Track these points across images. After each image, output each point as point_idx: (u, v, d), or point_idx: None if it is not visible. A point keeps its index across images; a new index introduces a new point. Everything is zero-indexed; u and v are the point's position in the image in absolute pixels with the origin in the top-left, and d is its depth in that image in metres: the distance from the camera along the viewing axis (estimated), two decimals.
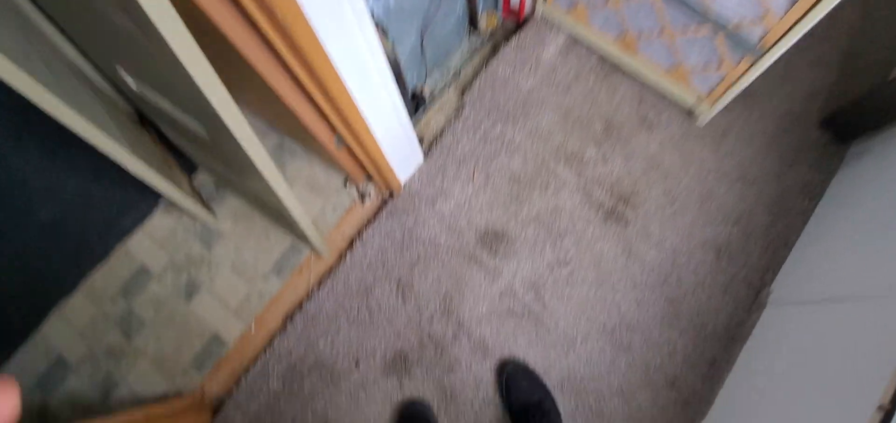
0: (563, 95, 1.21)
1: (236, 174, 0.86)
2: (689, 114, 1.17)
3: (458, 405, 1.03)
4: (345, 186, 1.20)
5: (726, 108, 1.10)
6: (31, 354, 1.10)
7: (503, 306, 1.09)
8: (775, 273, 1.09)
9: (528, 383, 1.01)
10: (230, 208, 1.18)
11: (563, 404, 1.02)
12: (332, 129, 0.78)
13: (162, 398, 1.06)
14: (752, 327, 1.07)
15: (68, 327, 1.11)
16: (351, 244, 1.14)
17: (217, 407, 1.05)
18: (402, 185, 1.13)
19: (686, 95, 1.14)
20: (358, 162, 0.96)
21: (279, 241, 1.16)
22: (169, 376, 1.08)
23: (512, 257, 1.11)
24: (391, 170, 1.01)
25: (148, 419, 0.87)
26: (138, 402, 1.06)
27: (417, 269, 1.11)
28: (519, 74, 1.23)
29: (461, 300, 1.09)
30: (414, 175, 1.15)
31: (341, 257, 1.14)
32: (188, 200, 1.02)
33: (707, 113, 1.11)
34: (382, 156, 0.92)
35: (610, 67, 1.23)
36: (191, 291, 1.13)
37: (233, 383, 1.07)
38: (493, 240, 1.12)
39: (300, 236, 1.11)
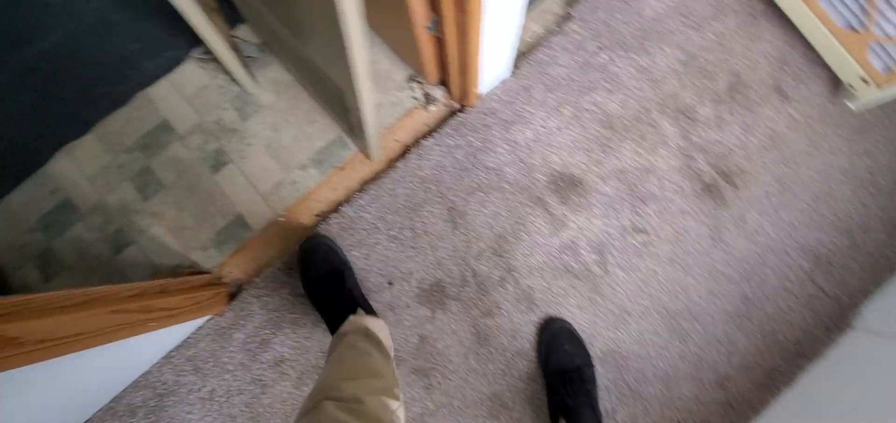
0: (692, 32, 0.99)
1: (298, 35, 0.68)
2: (836, 93, 0.97)
3: (490, 351, 0.95)
4: (408, 83, 1.01)
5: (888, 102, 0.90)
6: (36, 191, 0.98)
7: (560, 262, 0.97)
8: (870, 297, 0.96)
9: (571, 346, 0.92)
10: (273, 79, 1.01)
11: (601, 375, 0.95)
12: (434, 5, 0.59)
13: (177, 268, 0.97)
14: (828, 347, 0.96)
15: (78, 170, 0.99)
16: (404, 152, 0.99)
17: (234, 293, 0.96)
18: (480, 97, 0.95)
19: (849, 69, 0.92)
20: (441, 56, 0.78)
21: (324, 130, 1.00)
22: (185, 247, 0.98)
23: (583, 211, 0.97)
24: (477, 75, 0.83)
25: (164, 289, 0.78)
26: (151, 268, 0.97)
27: (474, 198, 0.97)
28: None
29: (516, 243, 0.96)
30: (495, 89, 0.97)
31: (390, 163, 0.99)
32: (231, 56, 0.85)
33: (866, 97, 0.91)
34: (477, 53, 0.74)
35: (762, 9, 0.99)
36: (218, 162, 0.99)
37: (254, 271, 0.98)
38: (566, 186, 0.97)
39: (350, 129, 0.95)
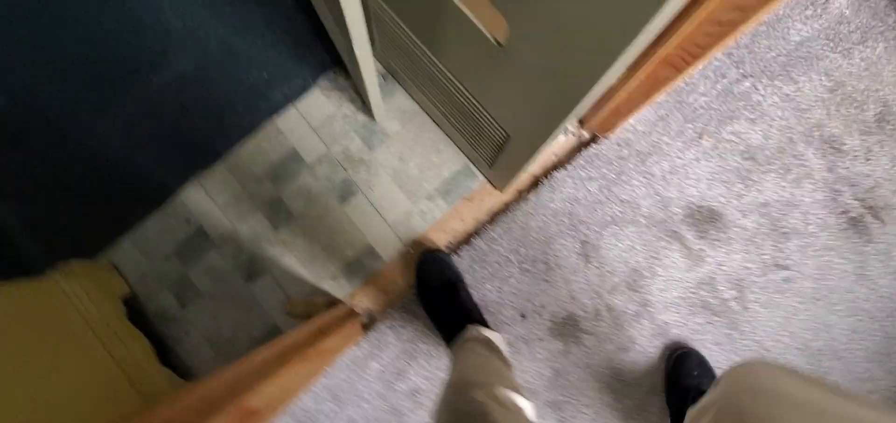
0: (841, 59, 0.94)
1: (462, 77, 0.67)
2: None
3: (625, 386, 0.94)
4: None
5: None
6: (170, 219, 1.00)
7: (698, 297, 0.94)
8: None
9: (699, 370, 0.91)
10: (397, 108, 1.00)
11: None
12: None
13: (309, 298, 0.98)
14: None
15: (210, 199, 1.01)
16: (534, 184, 0.97)
17: (367, 323, 0.97)
18: (616, 128, 0.93)
19: None
20: None
21: (450, 159, 0.99)
22: (316, 277, 0.99)
23: (721, 245, 0.94)
24: (635, 108, 0.80)
25: (324, 330, 0.79)
26: (284, 297, 0.98)
27: (608, 231, 0.95)
28: (794, 15, 0.94)
29: (651, 278, 0.94)
30: (630, 119, 0.94)
31: (520, 195, 0.98)
32: (373, 83, 0.83)
33: None
34: (652, 92, 0.71)
35: None
36: (346, 192, 1.00)
37: (384, 301, 0.99)
38: (703, 219, 0.95)
39: (478, 159, 0.94)
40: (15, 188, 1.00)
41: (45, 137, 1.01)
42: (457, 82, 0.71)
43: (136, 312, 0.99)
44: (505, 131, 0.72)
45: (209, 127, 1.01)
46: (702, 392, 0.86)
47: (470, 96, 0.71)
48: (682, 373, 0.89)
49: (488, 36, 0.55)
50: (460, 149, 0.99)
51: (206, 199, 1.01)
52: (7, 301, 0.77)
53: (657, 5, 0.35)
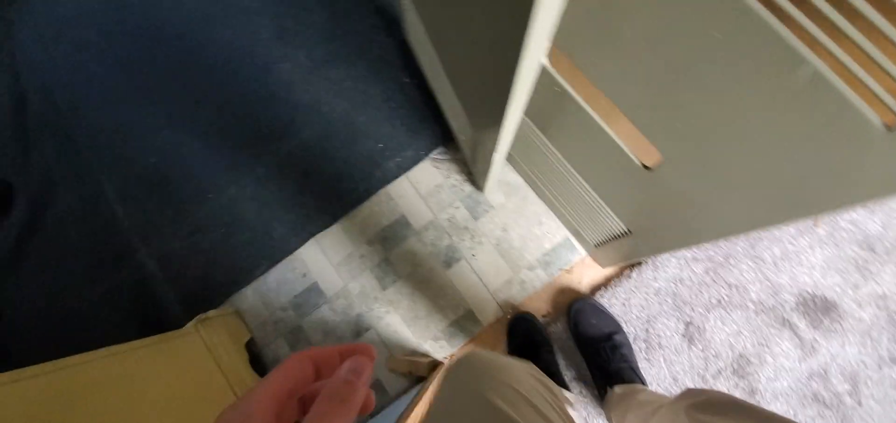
0: None
1: (588, 180, 0.72)
2: None
3: None
4: None
5: None
6: (289, 273, 1.10)
7: (809, 389, 0.92)
8: None
9: (597, 318, 0.94)
10: (504, 181, 1.06)
11: None
12: None
13: (412, 355, 1.04)
14: None
15: (325, 257, 1.10)
16: (638, 261, 0.99)
17: None
18: None
19: None
20: None
21: (552, 232, 1.04)
22: (418, 336, 1.05)
23: (836, 336, 0.92)
24: None
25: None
26: (387, 354, 1.05)
27: (714, 314, 0.95)
28: None
29: (759, 366, 0.93)
30: None
31: (621, 271, 1.00)
32: (495, 171, 0.90)
33: None
34: None
35: None
36: (450, 258, 1.06)
37: None
38: (817, 309, 0.93)
39: (582, 237, 0.98)
40: (160, 242, 1.13)
41: (188, 194, 1.15)
42: (586, 185, 0.76)
43: (255, 356, 1.08)
44: (627, 229, 0.76)
45: (328, 191, 1.11)
46: (610, 337, 0.89)
47: (597, 197, 0.76)
48: (585, 327, 0.93)
49: (636, 161, 0.59)
50: (563, 224, 1.03)
51: (322, 257, 1.10)
52: (160, 353, 0.87)
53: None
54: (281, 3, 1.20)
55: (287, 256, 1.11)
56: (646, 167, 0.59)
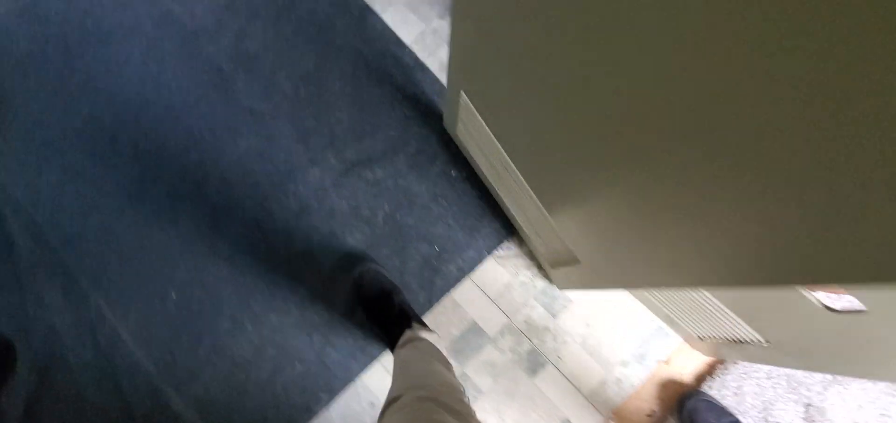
0: None
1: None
2: None
3: None
4: None
5: None
6: (354, 404, 0.98)
7: None
8: None
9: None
10: None
11: None
12: None
13: None
14: None
15: (390, 378, 0.98)
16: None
17: None
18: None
19: None
20: None
21: (640, 320, 0.94)
22: None
23: None
24: None
25: None
26: None
27: (832, 391, 0.88)
28: None
29: None
30: None
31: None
32: (550, 252, 0.80)
33: None
34: None
35: None
36: (534, 363, 0.96)
37: None
38: None
39: (674, 320, 0.89)
40: (195, 387, 0.99)
41: (221, 328, 1.00)
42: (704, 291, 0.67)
43: None
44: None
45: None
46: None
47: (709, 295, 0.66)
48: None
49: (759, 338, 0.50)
50: (652, 311, 0.94)
51: (388, 380, 0.98)
52: None
53: None
54: (295, 102, 1.06)
55: (349, 384, 0.99)
56: (766, 342, 0.50)
